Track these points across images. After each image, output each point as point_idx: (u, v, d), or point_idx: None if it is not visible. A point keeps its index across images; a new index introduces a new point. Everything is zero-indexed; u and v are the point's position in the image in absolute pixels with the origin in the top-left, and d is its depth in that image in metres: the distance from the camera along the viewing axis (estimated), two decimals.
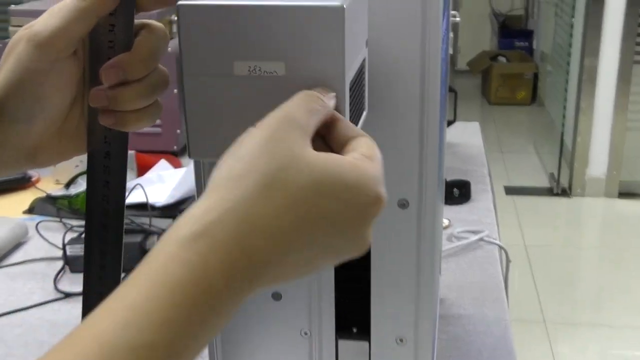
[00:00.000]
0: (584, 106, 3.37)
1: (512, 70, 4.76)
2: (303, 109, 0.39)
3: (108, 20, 0.47)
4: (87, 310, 0.52)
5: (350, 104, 0.43)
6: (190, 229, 0.35)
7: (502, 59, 4.88)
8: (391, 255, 0.61)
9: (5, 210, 1.32)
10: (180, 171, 1.36)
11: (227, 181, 0.36)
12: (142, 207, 1.22)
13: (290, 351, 0.64)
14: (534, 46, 5.03)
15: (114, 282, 0.52)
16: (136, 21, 0.48)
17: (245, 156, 0.37)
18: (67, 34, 0.46)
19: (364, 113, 0.50)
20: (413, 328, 0.62)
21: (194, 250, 0.34)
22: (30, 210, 1.31)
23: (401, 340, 0.62)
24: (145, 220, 1.18)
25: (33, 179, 1.41)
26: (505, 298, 1.05)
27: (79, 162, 1.37)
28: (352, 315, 0.63)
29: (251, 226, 0.35)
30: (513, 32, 5.10)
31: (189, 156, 0.44)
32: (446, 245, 1.17)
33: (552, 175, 3.59)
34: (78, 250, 1.09)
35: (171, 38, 1.13)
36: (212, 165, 0.39)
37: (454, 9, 1.11)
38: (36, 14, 0.49)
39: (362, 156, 0.40)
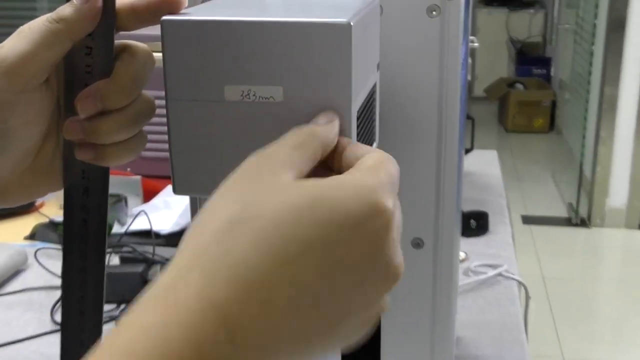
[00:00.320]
0: (604, 135, 3.32)
1: (530, 97, 4.72)
2: (287, 145, 0.33)
3: (85, 42, 0.42)
4: None
5: (358, 134, 0.38)
6: (152, 290, 0.30)
7: (520, 86, 4.84)
8: (404, 298, 0.55)
9: (7, 235, 1.29)
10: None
11: (192, 235, 0.31)
12: (147, 235, 1.19)
13: None
14: (552, 73, 4.98)
15: (94, 336, 0.46)
16: (116, 42, 0.43)
17: (210, 202, 0.32)
18: (38, 59, 0.40)
19: (374, 145, 0.45)
20: None
21: (152, 314, 0.29)
22: (32, 236, 1.28)
23: None
24: (149, 248, 1.14)
25: (37, 203, 1.37)
26: (525, 339, 0.99)
27: None
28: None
29: (215, 274, 0.29)
30: (530, 59, 5.06)
31: (174, 191, 0.39)
32: (462, 280, 1.12)
33: (570, 205, 3.53)
34: None
35: None
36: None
37: (471, 34, 1.07)
38: None
39: (362, 170, 0.33)
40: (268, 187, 0.30)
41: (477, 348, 0.95)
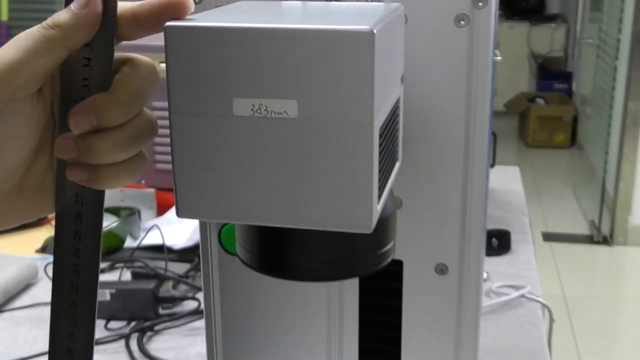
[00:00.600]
0: (627, 151, 3.27)
1: (551, 112, 4.67)
2: None
3: (83, 52, 0.39)
4: None
5: (380, 154, 0.34)
6: None
7: (540, 101, 4.79)
8: (426, 328, 0.52)
9: (18, 248, 1.27)
10: None
11: None
12: (159, 250, 1.16)
13: None
14: (574, 88, 4.93)
15: None
16: (118, 54, 0.40)
17: None
18: (28, 68, 0.37)
19: (397, 164, 0.42)
20: None
21: None
22: (43, 249, 1.26)
23: None
24: (161, 264, 1.11)
25: (49, 215, 1.35)
26: None
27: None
28: None
29: None
30: (552, 74, 5.01)
31: (177, 214, 0.35)
32: (484, 302, 1.08)
33: (592, 222, 3.47)
34: None
35: None
36: None
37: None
38: None
39: None
40: None
41: None
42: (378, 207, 0.35)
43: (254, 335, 0.55)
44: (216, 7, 0.45)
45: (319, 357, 0.54)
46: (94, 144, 0.38)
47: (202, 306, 0.56)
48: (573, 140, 4.68)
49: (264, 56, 0.33)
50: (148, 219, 1.29)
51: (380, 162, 0.35)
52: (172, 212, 1.32)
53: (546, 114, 4.67)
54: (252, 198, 0.34)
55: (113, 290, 1.01)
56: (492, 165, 1.60)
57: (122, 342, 0.95)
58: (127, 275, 1.10)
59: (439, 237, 0.50)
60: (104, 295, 1.01)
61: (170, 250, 1.16)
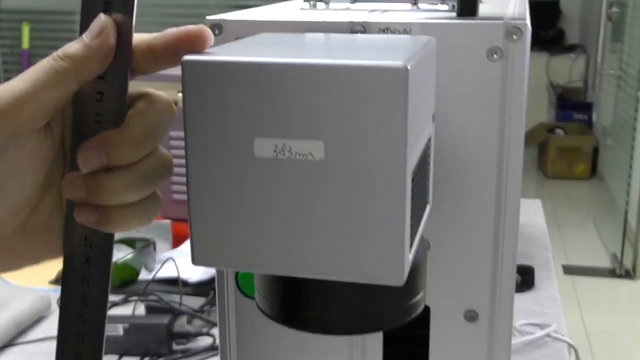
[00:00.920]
0: None
1: (571, 143, 4.63)
2: None
3: (96, 86, 0.36)
4: None
5: (412, 199, 0.32)
6: None
7: (560, 132, 4.75)
8: None
9: (31, 279, 1.25)
10: None
11: None
12: (174, 283, 1.14)
13: None
14: (594, 119, 4.89)
15: None
16: (134, 89, 0.37)
17: None
18: (36, 100, 0.35)
19: (428, 207, 0.39)
20: None
21: None
22: (57, 281, 1.24)
23: None
24: (176, 297, 1.09)
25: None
26: None
27: None
28: None
29: None
30: (571, 104, 4.98)
31: (193, 262, 0.33)
32: None
33: (614, 255, 3.41)
34: None
35: None
36: None
37: None
38: None
39: None
40: None
41: None
42: (410, 257, 0.32)
43: None
44: (236, 39, 0.43)
45: None
46: (104, 184, 0.36)
47: (217, 343, 0.54)
48: (593, 171, 4.63)
49: (288, 93, 0.30)
50: (163, 251, 1.27)
51: (411, 208, 0.32)
52: (188, 243, 1.30)
53: (566, 144, 4.63)
54: (273, 246, 0.32)
55: (126, 325, 0.99)
56: None
57: None
58: (141, 309, 1.08)
59: (469, 282, 0.47)
60: (117, 329, 0.99)
61: (185, 283, 1.14)
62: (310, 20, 0.44)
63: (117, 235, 1.28)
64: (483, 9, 0.46)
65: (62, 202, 0.39)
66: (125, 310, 1.10)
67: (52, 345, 1.10)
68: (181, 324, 1.04)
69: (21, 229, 0.38)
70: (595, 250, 3.57)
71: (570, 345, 1.08)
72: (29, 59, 4.08)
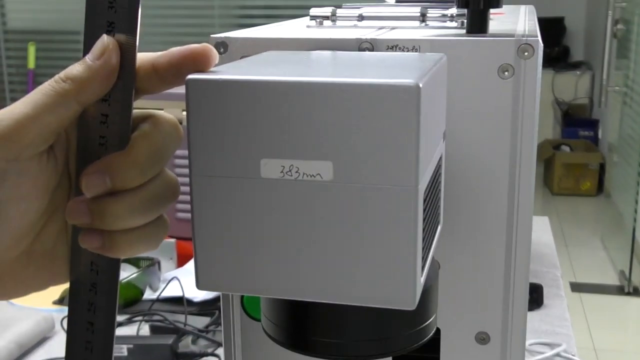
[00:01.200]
0: None
1: (577, 159, 4.62)
2: None
3: (100, 108, 0.35)
4: None
5: (423, 220, 0.31)
6: None
7: (566, 148, 4.74)
8: None
9: (35, 299, 1.24)
10: None
11: None
12: (179, 302, 1.13)
13: None
14: (600, 135, 4.88)
15: None
16: (139, 110, 0.36)
17: None
18: (37, 124, 0.34)
19: (439, 227, 0.38)
20: None
21: None
22: (61, 301, 1.23)
23: None
24: (180, 317, 1.08)
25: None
26: None
27: None
28: None
29: None
30: (577, 121, 4.97)
31: (197, 286, 0.32)
32: None
33: (622, 272, 3.38)
34: None
35: None
36: None
37: None
38: None
39: None
40: None
41: None
42: (422, 280, 0.31)
43: None
44: (242, 57, 0.42)
45: None
46: (109, 208, 0.35)
47: None
48: (600, 188, 4.61)
49: (295, 113, 0.29)
50: (168, 270, 1.27)
51: (423, 229, 0.31)
52: (193, 262, 1.29)
53: (572, 161, 4.62)
54: (280, 270, 0.31)
55: (131, 346, 0.98)
56: None
57: None
58: (145, 329, 1.07)
59: (480, 303, 0.46)
60: (121, 350, 0.98)
61: (190, 302, 1.13)
62: (317, 38, 0.43)
63: None
64: (493, 25, 0.46)
65: (67, 228, 0.38)
66: (129, 330, 1.09)
67: None
68: (186, 344, 1.03)
69: (25, 255, 0.37)
70: (603, 268, 3.54)
71: None
72: (35, 79, 4.09)
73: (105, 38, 0.35)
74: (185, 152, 0.32)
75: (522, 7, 0.67)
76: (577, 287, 3.28)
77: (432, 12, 0.50)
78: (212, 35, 0.45)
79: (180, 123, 0.38)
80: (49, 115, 0.34)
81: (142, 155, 0.35)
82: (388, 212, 0.29)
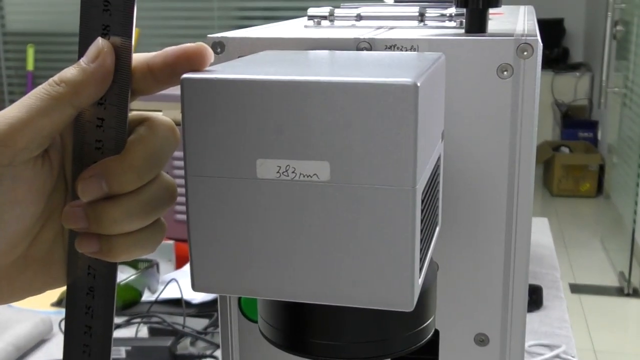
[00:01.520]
0: None
1: (576, 161, 4.62)
2: None
3: (96, 112, 0.35)
4: None
5: (421, 221, 0.30)
6: None
7: (565, 150, 4.74)
8: None
9: (32, 301, 1.23)
10: None
11: None
12: (177, 304, 1.13)
13: None
14: (599, 137, 4.88)
15: None
16: (135, 113, 0.36)
17: None
18: (30, 128, 0.33)
19: (437, 228, 0.38)
20: None
21: None
22: (59, 303, 1.23)
23: None
24: (179, 319, 1.08)
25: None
26: None
27: None
28: None
29: None
30: (576, 123, 4.97)
31: (192, 287, 0.31)
32: None
33: (621, 273, 3.38)
34: None
35: None
36: None
37: None
38: None
39: None
40: None
41: None
42: (419, 281, 0.31)
43: None
44: (239, 57, 0.42)
45: None
46: (105, 213, 0.34)
47: None
48: (599, 189, 4.61)
49: (292, 112, 0.29)
50: (166, 272, 1.26)
51: (421, 230, 0.31)
52: None
53: (571, 162, 4.62)
54: (277, 271, 0.30)
55: (129, 348, 0.98)
56: None
57: None
58: (144, 331, 1.07)
59: (479, 305, 0.46)
60: (120, 352, 0.97)
61: (188, 304, 1.13)
62: (315, 38, 0.43)
63: None
64: (492, 25, 0.45)
65: (63, 232, 0.38)
66: (127, 332, 1.08)
67: None
68: (184, 346, 1.02)
69: (21, 259, 0.37)
70: (603, 269, 3.54)
71: None
72: (34, 81, 4.09)
73: (100, 41, 0.34)
74: (181, 153, 0.32)
75: (522, 8, 0.67)
76: (576, 289, 3.28)
77: (431, 12, 0.49)
78: (209, 35, 0.45)
79: (178, 125, 0.37)
80: (43, 119, 0.33)
81: (139, 159, 0.35)
82: (386, 213, 0.29)
